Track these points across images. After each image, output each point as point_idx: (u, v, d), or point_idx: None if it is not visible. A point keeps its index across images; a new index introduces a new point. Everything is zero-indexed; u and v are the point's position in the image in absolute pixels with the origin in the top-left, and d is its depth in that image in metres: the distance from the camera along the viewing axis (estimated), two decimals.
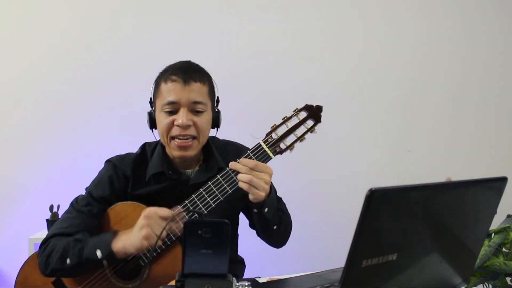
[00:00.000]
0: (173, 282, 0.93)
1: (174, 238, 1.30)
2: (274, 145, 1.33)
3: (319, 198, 2.55)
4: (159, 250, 1.30)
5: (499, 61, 2.67)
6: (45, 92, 2.42)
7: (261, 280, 1.28)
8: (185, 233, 0.84)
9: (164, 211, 1.24)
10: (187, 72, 1.35)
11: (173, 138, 1.36)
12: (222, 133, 1.52)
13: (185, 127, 1.33)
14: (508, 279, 1.20)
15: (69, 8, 2.44)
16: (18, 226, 2.35)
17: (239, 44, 2.52)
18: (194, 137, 1.36)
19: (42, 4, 2.42)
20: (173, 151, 1.38)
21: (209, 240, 0.84)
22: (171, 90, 1.34)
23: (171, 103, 1.34)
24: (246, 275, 1.59)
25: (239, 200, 1.39)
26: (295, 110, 1.35)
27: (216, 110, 1.45)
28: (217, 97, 1.46)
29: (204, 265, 0.85)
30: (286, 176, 2.46)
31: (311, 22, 2.58)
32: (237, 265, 1.57)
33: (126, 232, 1.28)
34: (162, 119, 1.35)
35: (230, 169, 1.31)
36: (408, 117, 2.63)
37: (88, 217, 1.35)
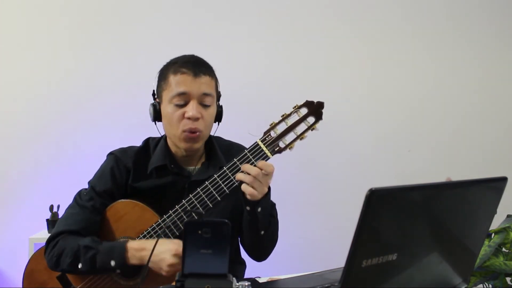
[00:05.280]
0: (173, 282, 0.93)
1: (172, 238, 1.30)
2: (272, 144, 1.29)
3: (319, 198, 2.55)
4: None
5: (499, 61, 2.67)
6: (44, 92, 2.41)
7: (261, 280, 1.28)
8: (185, 233, 0.84)
9: None
10: (197, 65, 1.36)
11: (183, 130, 1.36)
12: (220, 131, 1.51)
13: (195, 119, 1.33)
14: (508, 279, 1.20)
15: (68, 7, 2.44)
16: (18, 226, 2.35)
17: (239, 39, 2.52)
18: (200, 131, 1.36)
19: (42, 3, 2.42)
20: (181, 143, 1.38)
21: (209, 240, 0.84)
22: (181, 82, 1.34)
23: (181, 94, 1.34)
24: (246, 275, 1.59)
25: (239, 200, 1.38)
26: (295, 106, 1.30)
27: (219, 104, 1.46)
28: (219, 92, 1.46)
29: (204, 265, 0.85)
30: (286, 176, 2.46)
31: (314, 22, 2.58)
32: (238, 266, 1.58)
33: (140, 246, 1.28)
34: (171, 112, 1.35)
35: (227, 168, 1.30)
36: (408, 117, 2.62)
37: (91, 212, 1.37)
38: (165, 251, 1.22)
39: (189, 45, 2.43)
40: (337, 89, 2.56)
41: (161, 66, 1.44)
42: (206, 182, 1.31)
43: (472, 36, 2.65)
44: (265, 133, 1.30)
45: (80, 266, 1.29)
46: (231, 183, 1.29)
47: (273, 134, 1.30)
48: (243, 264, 1.60)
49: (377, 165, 2.58)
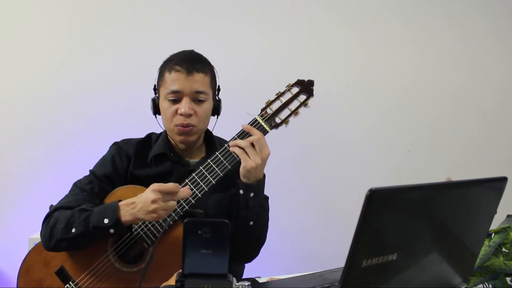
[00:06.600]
0: (173, 281, 0.93)
1: (176, 218, 1.31)
2: (269, 119, 1.38)
3: (319, 198, 2.55)
4: (161, 230, 1.31)
5: (499, 61, 2.66)
6: (44, 92, 2.41)
7: (261, 280, 1.28)
8: (185, 233, 0.84)
9: (169, 185, 1.21)
10: (191, 62, 1.41)
11: (176, 125, 1.42)
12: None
13: (187, 115, 1.39)
14: (508, 279, 1.20)
15: (68, 6, 2.44)
16: (18, 226, 2.34)
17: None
18: (194, 125, 1.42)
19: (41, 4, 2.42)
20: (175, 136, 1.44)
21: (209, 240, 0.84)
22: (175, 80, 1.39)
23: (174, 92, 1.40)
24: (246, 275, 1.59)
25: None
26: (288, 85, 1.41)
27: (217, 98, 1.50)
28: (218, 85, 1.51)
29: (204, 265, 0.85)
30: (286, 176, 2.46)
31: (313, 20, 2.58)
32: (238, 266, 1.58)
33: (130, 200, 1.27)
34: (166, 107, 1.42)
35: (222, 150, 1.36)
36: (408, 117, 2.62)
37: (89, 195, 1.39)
38: (145, 192, 1.23)
39: (189, 38, 2.44)
40: (338, 88, 2.55)
41: (161, 63, 1.48)
42: (209, 160, 1.36)
43: (472, 36, 2.65)
44: (262, 110, 1.40)
45: (73, 230, 1.27)
46: (232, 159, 1.35)
47: (269, 111, 1.40)
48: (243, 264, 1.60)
49: (377, 165, 2.58)
